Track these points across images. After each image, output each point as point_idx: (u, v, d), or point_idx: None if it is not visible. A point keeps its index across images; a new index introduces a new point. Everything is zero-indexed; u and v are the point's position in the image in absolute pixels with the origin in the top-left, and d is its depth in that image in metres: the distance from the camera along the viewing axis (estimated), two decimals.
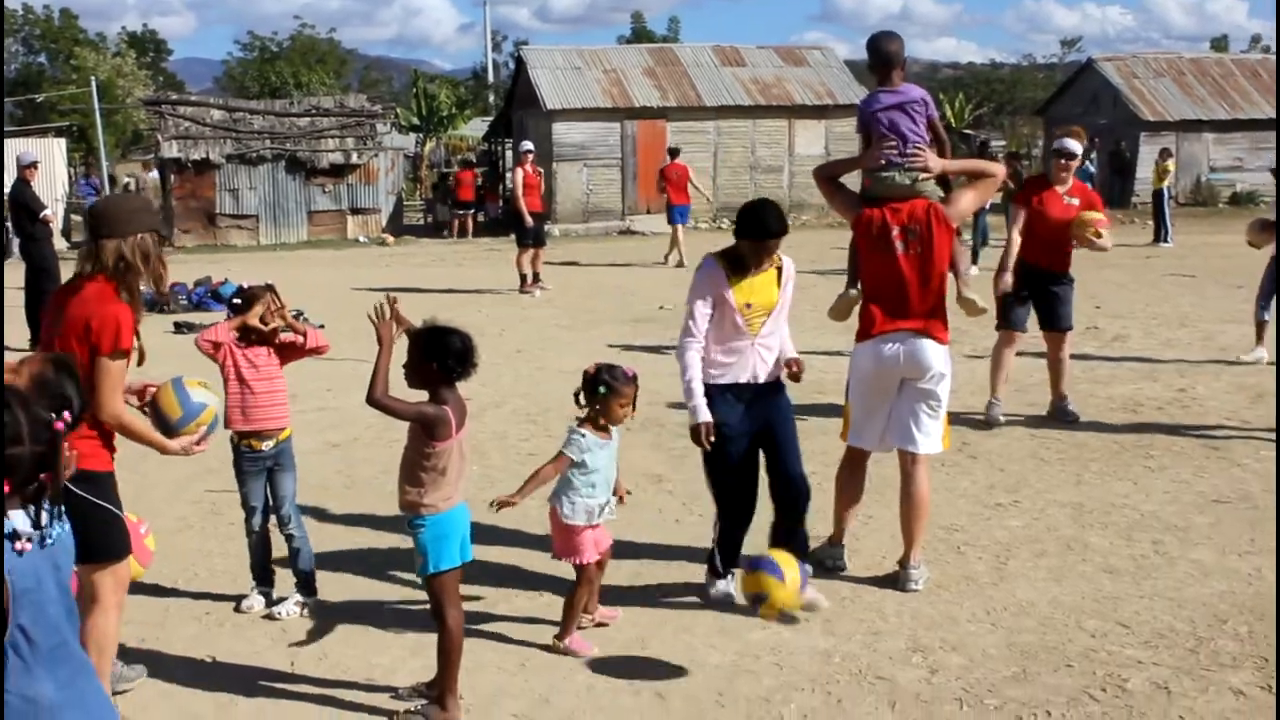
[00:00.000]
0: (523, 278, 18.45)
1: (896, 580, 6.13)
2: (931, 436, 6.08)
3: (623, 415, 5.45)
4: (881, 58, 6.17)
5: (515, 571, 6.43)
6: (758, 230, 5.64)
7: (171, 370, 5.25)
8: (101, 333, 4.46)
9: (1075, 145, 9.47)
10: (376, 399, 4.61)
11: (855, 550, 6.55)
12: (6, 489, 2.76)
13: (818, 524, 6.97)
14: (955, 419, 9.23)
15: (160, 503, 7.55)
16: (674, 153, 23.63)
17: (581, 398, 5.43)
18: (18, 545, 2.75)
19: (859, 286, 6.44)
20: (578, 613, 5.53)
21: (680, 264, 21.08)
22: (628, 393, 5.40)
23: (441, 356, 4.67)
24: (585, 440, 5.38)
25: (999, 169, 6.35)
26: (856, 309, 6.36)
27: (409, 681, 5.08)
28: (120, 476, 4.76)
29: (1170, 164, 25.50)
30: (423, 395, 4.77)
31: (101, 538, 4.53)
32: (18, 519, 2.79)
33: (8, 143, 31.66)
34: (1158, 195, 24.99)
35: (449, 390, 4.73)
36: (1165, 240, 24.41)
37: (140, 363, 4.66)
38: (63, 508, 2.89)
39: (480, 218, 33.19)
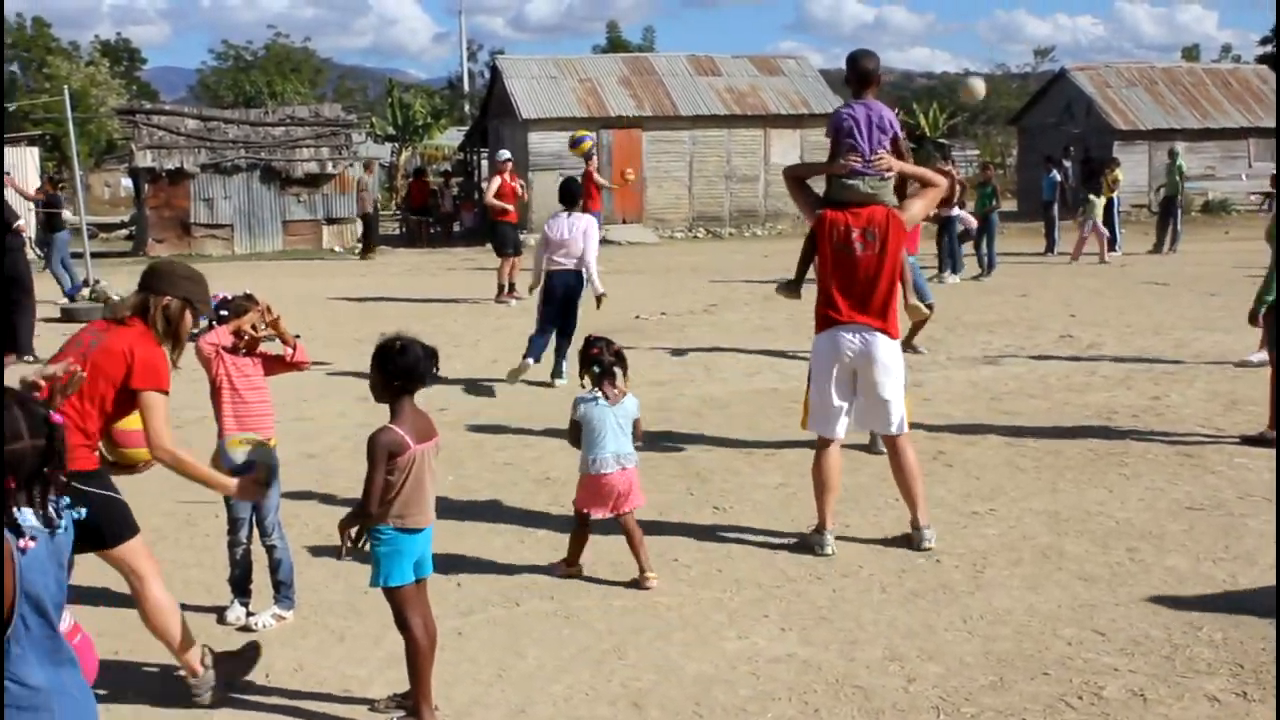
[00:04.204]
0: (500, 287, 18.43)
1: (910, 543, 6.71)
2: (898, 417, 6.76)
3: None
4: (859, 74, 6.80)
5: (491, 582, 6.41)
6: None
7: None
8: (148, 366, 4.77)
9: None
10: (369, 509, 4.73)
11: (830, 559, 6.56)
12: (11, 485, 2.91)
13: (801, 523, 6.99)
14: (931, 428, 9.29)
15: (134, 514, 7.47)
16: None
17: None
18: (22, 543, 2.89)
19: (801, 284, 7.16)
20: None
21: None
22: None
23: (387, 370, 4.74)
24: None
25: (942, 180, 7.18)
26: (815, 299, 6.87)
27: (385, 693, 5.06)
28: None
29: (1119, 173, 25.33)
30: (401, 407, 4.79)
31: (120, 522, 4.92)
32: (27, 516, 2.93)
33: None
34: (1109, 206, 24.41)
35: (408, 401, 4.79)
36: (1115, 249, 24.22)
37: None
38: (69, 499, 3.07)
39: (456, 227, 33.11)
